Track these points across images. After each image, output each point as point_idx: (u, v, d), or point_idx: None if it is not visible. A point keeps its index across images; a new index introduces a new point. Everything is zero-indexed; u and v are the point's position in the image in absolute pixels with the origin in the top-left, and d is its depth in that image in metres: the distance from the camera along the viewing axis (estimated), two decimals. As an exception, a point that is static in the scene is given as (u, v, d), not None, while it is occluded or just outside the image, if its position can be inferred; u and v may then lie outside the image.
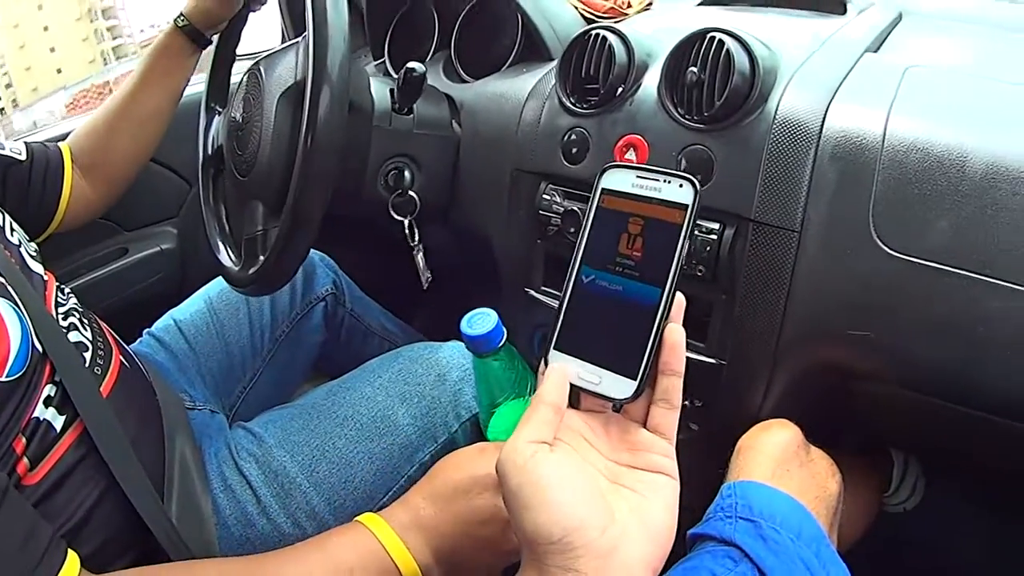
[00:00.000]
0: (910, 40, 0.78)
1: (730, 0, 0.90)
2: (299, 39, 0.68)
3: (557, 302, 0.38)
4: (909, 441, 0.85)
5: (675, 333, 0.36)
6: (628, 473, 0.36)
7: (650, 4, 0.96)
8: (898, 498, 0.92)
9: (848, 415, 0.69)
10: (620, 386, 0.35)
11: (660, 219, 0.36)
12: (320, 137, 0.59)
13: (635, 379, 0.35)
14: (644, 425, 0.37)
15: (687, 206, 0.35)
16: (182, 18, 0.78)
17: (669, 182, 0.36)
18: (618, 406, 0.37)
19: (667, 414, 0.36)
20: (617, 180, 0.38)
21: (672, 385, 0.36)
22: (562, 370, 0.36)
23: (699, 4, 0.92)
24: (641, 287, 0.36)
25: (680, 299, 0.36)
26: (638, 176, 0.37)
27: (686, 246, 0.35)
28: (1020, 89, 0.62)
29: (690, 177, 0.35)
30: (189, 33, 0.79)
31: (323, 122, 0.59)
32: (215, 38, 0.83)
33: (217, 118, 0.82)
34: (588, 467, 0.36)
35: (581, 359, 0.36)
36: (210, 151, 0.82)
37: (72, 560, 0.45)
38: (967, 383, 0.55)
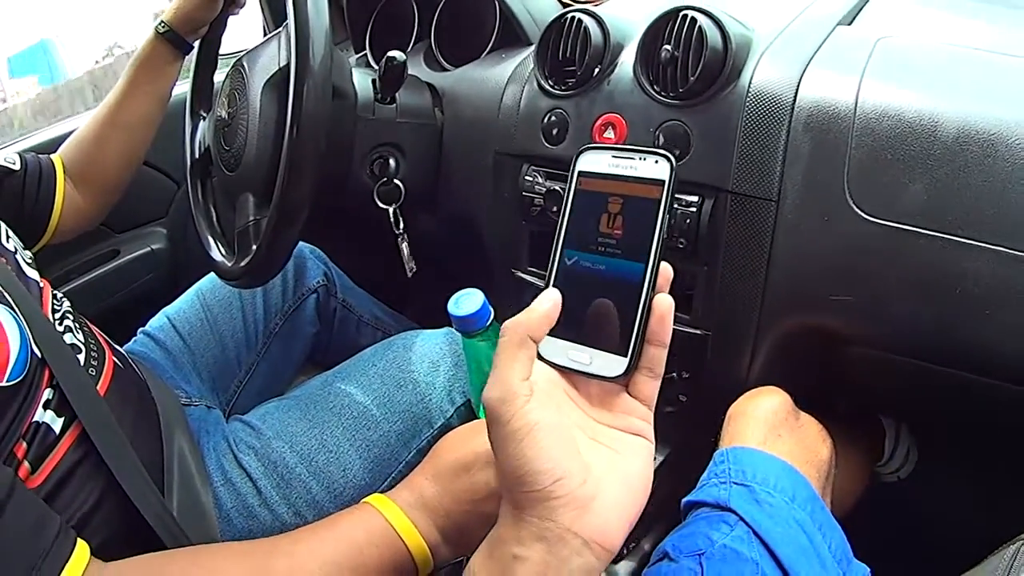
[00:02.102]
0: (884, 13, 0.79)
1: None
2: (280, 29, 0.68)
3: (543, 283, 0.38)
4: (897, 407, 0.86)
5: (663, 303, 0.36)
6: (606, 431, 0.36)
7: (628, -13, 0.97)
8: (891, 467, 0.93)
9: (836, 381, 0.70)
10: (611, 364, 0.35)
11: (639, 196, 0.36)
12: (305, 118, 0.59)
13: (626, 356, 0.35)
14: (626, 389, 0.37)
15: (664, 181, 0.36)
16: (163, 24, 0.79)
17: (644, 159, 0.36)
18: (619, 381, 0.37)
19: (649, 382, 0.37)
20: (593, 161, 0.38)
21: (658, 355, 0.36)
22: (554, 300, 0.36)
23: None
24: (625, 264, 0.36)
25: (667, 269, 0.36)
26: (614, 156, 0.38)
27: (666, 220, 0.36)
28: (993, 56, 0.63)
29: (665, 153, 0.36)
30: (171, 39, 0.79)
31: (308, 101, 0.59)
32: (196, 44, 0.83)
33: (202, 123, 0.83)
34: (569, 419, 0.36)
35: (570, 340, 0.36)
36: (197, 155, 0.82)
37: (82, 547, 0.45)
38: (947, 344, 0.56)
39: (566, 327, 0.36)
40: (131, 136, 0.82)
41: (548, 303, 0.36)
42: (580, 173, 0.38)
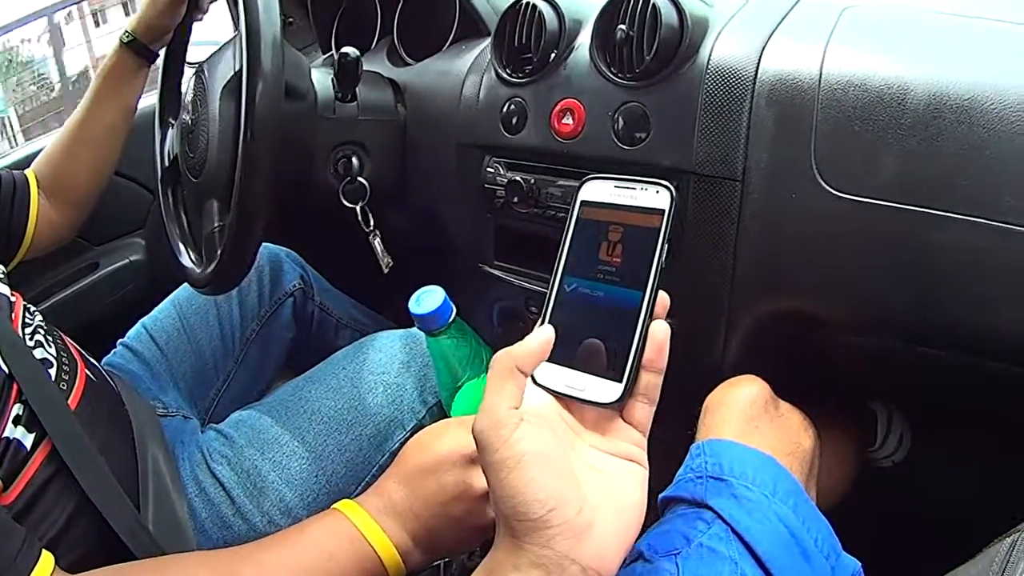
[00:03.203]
0: None
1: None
2: (235, 34, 0.67)
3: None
4: (883, 391, 0.84)
5: (660, 330, 0.36)
6: (599, 456, 0.36)
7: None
8: (885, 451, 0.91)
9: (817, 367, 0.69)
10: (606, 391, 0.35)
11: (639, 225, 0.37)
12: (259, 122, 0.58)
13: (621, 382, 0.35)
14: (620, 414, 0.37)
15: (664, 211, 0.36)
16: (127, 34, 0.79)
17: (646, 189, 0.37)
18: (614, 408, 0.37)
19: (644, 408, 0.37)
20: (595, 191, 0.39)
21: (653, 382, 0.36)
22: (548, 337, 0.36)
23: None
24: (623, 291, 0.36)
25: (664, 297, 0.36)
26: (615, 186, 0.38)
27: (665, 248, 0.36)
28: (966, 20, 0.61)
29: (666, 184, 0.36)
30: (136, 49, 0.79)
31: (260, 104, 0.58)
32: (162, 52, 0.83)
33: (171, 131, 0.83)
34: (564, 446, 0.35)
35: (565, 366, 0.36)
36: (167, 163, 0.82)
37: (47, 558, 0.45)
38: (925, 322, 0.54)
39: (562, 352, 0.36)
40: (98, 150, 0.82)
41: (541, 339, 0.36)
42: (582, 202, 0.39)
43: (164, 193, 0.82)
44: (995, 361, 0.53)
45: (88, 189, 0.84)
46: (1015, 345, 0.51)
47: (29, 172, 0.81)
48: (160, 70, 0.83)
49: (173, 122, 0.83)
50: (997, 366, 0.53)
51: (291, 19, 1.03)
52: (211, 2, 0.82)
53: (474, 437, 0.34)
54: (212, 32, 1.06)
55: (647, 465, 0.36)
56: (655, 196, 0.37)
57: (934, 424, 0.92)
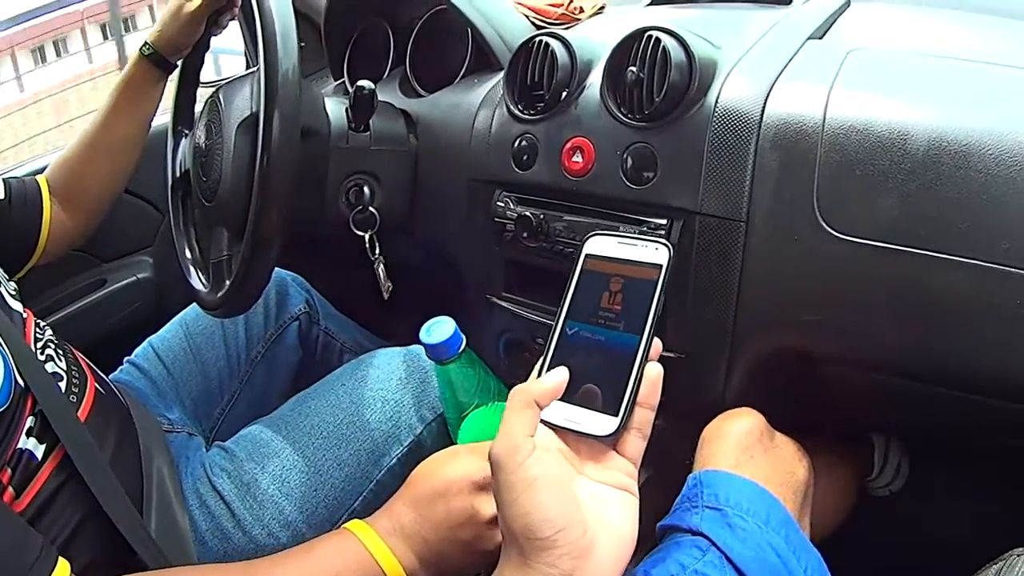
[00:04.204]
0: (857, 25, 0.79)
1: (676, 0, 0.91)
2: (254, 70, 0.69)
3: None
4: (883, 423, 0.85)
5: (654, 371, 0.40)
6: (593, 485, 0.39)
7: (602, 8, 0.97)
8: (883, 480, 0.92)
9: (818, 400, 0.70)
10: (603, 424, 0.38)
11: (638, 277, 0.41)
12: (275, 169, 0.61)
13: (617, 416, 0.38)
14: (614, 447, 0.40)
15: (662, 266, 0.40)
16: (147, 47, 0.80)
17: (646, 245, 0.41)
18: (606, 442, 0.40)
19: (637, 442, 0.40)
20: (600, 245, 0.43)
21: (647, 418, 0.40)
22: (563, 378, 0.40)
23: (648, 4, 0.93)
24: (621, 335, 0.40)
25: (658, 343, 0.40)
26: (619, 241, 0.42)
27: (662, 299, 0.40)
28: (966, 65, 0.62)
29: (664, 242, 0.41)
30: (155, 61, 0.81)
31: (276, 155, 0.60)
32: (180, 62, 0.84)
33: (184, 140, 0.84)
34: (569, 473, 0.38)
35: (565, 402, 0.39)
36: (178, 173, 0.83)
37: (63, 565, 0.46)
38: (927, 361, 0.55)
39: (576, 387, 0.40)
40: (115, 158, 0.84)
41: (556, 380, 0.39)
42: (587, 255, 0.43)
43: (174, 204, 0.83)
44: (995, 399, 0.54)
45: (103, 196, 0.85)
46: (1016, 384, 0.52)
47: (41, 178, 0.82)
48: (176, 80, 0.85)
49: (187, 132, 0.84)
50: (997, 403, 0.54)
51: (303, 42, 1.05)
52: (230, 20, 0.83)
53: (491, 460, 0.37)
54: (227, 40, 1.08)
55: (638, 495, 0.40)
56: (655, 252, 0.41)
57: (933, 454, 0.92)
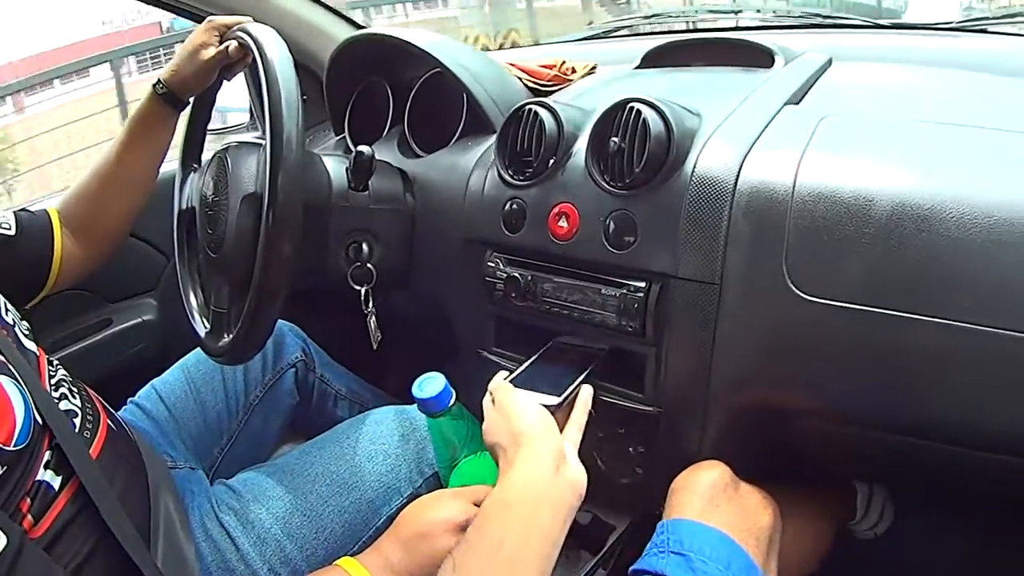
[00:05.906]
0: (833, 88, 0.81)
1: (663, 62, 0.96)
2: (262, 144, 0.71)
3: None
4: (861, 472, 0.87)
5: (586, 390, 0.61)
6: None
7: (594, 68, 1.02)
8: (867, 523, 0.93)
9: (795, 451, 0.72)
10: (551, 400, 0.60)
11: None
12: (276, 243, 0.64)
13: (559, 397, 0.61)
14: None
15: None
16: (161, 85, 0.83)
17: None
18: (552, 410, 0.59)
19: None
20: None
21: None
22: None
23: (637, 67, 0.98)
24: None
25: (588, 388, 0.63)
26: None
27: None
28: (935, 128, 0.65)
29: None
30: (167, 99, 0.83)
31: (280, 220, 0.64)
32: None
33: (193, 175, 0.87)
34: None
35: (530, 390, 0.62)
36: (184, 206, 0.86)
37: None
38: (897, 414, 0.58)
39: (532, 386, 0.62)
40: (129, 191, 0.86)
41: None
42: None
43: (179, 237, 0.86)
44: (963, 447, 0.56)
45: (117, 227, 0.87)
46: (984, 434, 0.55)
47: (51, 209, 0.84)
48: (188, 116, 0.88)
49: (196, 166, 0.87)
50: (965, 452, 0.57)
51: (306, 95, 1.09)
52: (242, 68, 0.86)
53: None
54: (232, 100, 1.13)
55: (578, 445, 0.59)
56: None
57: (916, 498, 0.94)
